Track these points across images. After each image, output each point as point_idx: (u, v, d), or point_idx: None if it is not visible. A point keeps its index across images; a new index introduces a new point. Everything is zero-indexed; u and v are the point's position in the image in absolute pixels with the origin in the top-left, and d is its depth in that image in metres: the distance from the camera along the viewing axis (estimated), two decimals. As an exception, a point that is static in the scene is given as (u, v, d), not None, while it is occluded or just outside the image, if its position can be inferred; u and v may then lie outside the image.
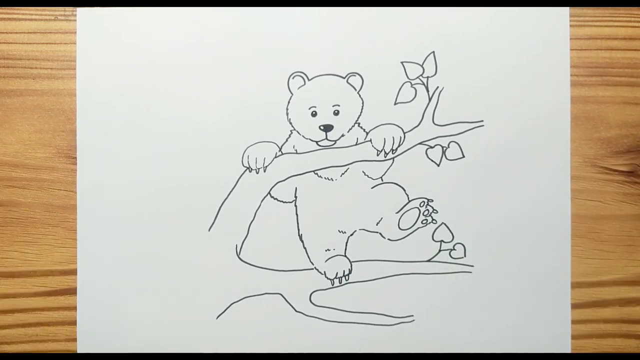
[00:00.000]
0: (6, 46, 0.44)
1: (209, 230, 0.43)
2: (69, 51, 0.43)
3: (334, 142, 0.44)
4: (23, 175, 0.44)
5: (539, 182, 0.44)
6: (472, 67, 0.43)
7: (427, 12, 0.44)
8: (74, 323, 0.44)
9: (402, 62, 0.43)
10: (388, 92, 0.44)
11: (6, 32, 0.44)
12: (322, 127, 0.43)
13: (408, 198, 0.44)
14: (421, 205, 0.44)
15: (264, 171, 0.44)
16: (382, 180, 0.44)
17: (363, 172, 0.44)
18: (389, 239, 0.44)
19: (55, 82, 0.44)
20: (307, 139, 0.43)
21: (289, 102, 0.43)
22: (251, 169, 0.43)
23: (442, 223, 0.44)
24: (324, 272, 0.44)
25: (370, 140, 0.44)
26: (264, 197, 0.44)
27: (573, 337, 0.44)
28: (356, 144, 0.44)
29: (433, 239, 0.44)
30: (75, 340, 0.44)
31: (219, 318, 0.44)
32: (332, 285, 0.44)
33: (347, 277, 0.44)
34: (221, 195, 0.43)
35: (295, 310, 0.44)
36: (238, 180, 0.43)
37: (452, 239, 0.44)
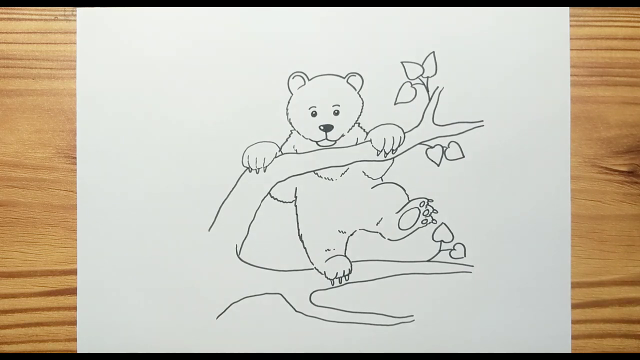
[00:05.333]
0: (6, 46, 0.44)
1: (209, 230, 0.43)
2: (69, 51, 0.43)
3: (334, 142, 0.44)
4: (23, 175, 0.44)
5: (539, 182, 0.44)
6: (472, 67, 0.43)
7: (427, 12, 0.44)
8: (74, 323, 0.44)
9: (402, 62, 0.43)
10: (388, 92, 0.44)
11: (6, 32, 0.44)
12: (322, 127, 0.43)
13: (408, 198, 0.44)
14: (421, 205, 0.44)
15: (264, 171, 0.44)
16: (382, 180, 0.44)
17: (363, 172, 0.44)
18: (389, 239, 0.44)
19: (55, 82, 0.44)
20: (307, 139, 0.43)
21: (289, 102, 0.43)
22: (251, 169, 0.43)
23: (442, 223, 0.44)
24: (324, 272, 0.44)
25: (370, 140, 0.44)
26: (264, 197, 0.44)
27: (573, 337, 0.44)
28: (356, 144, 0.44)
29: (433, 239, 0.44)
30: (75, 340, 0.44)
31: (219, 318, 0.44)
32: (332, 285, 0.44)
33: (347, 277, 0.44)
34: (221, 195, 0.43)
35: (295, 310, 0.44)
36: (238, 180, 0.43)
37: (452, 239, 0.44)
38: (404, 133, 0.44)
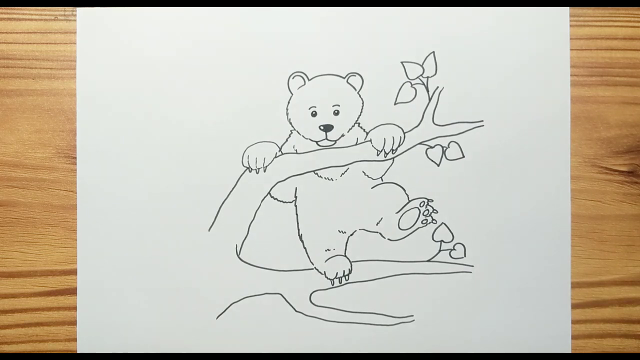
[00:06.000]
0: (6, 46, 0.44)
1: (209, 230, 0.43)
2: (69, 51, 0.43)
3: (334, 142, 0.44)
4: (23, 175, 0.44)
5: (539, 182, 0.44)
6: (472, 67, 0.43)
7: (427, 12, 0.44)
8: (74, 323, 0.44)
9: (402, 62, 0.43)
10: (388, 92, 0.44)
11: (6, 32, 0.44)
12: (322, 127, 0.43)
13: (408, 198, 0.44)
14: (421, 205, 0.44)
15: (264, 171, 0.44)
16: (382, 180, 0.44)
17: (363, 172, 0.44)
18: (389, 239, 0.44)
19: (55, 82, 0.44)
20: (307, 139, 0.43)
21: (289, 102, 0.43)
22: (251, 169, 0.43)
23: (442, 223, 0.44)
24: (324, 272, 0.44)
25: (370, 140, 0.44)
26: (264, 197, 0.44)
27: (573, 337, 0.44)
28: (356, 144, 0.44)
29: (433, 239, 0.44)
30: (75, 340, 0.44)
31: (219, 318, 0.44)
32: (332, 285, 0.44)
33: (347, 277, 0.44)
34: (221, 195, 0.43)
35: (295, 310, 0.44)
36: (238, 180, 0.43)
37: (452, 239, 0.44)
38: (404, 133, 0.44)
